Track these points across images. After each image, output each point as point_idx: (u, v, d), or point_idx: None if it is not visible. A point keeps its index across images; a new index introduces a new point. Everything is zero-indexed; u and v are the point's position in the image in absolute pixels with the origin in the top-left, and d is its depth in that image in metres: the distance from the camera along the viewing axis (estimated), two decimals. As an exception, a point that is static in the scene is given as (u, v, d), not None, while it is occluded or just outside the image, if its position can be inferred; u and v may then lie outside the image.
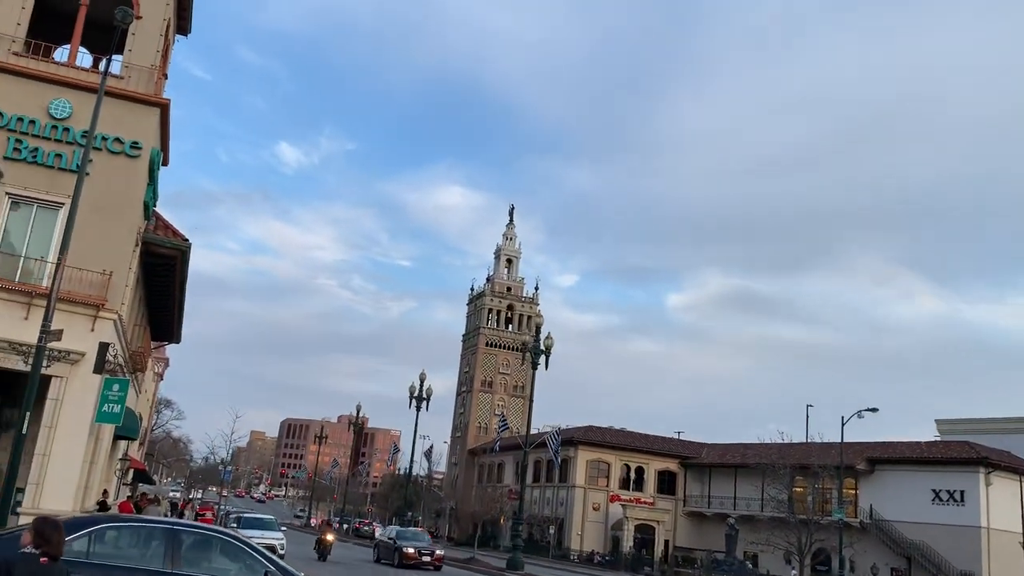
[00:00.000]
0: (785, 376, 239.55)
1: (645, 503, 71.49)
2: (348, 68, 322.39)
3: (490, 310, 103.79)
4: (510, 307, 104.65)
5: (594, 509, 70.94)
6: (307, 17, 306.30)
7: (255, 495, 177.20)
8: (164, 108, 21.98)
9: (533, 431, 62.74)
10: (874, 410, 44.16)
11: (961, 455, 55.82)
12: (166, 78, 24.28)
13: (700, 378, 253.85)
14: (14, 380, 19.98)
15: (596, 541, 69.66)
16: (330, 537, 30.77)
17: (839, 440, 54.97)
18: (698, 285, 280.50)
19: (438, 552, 32.68)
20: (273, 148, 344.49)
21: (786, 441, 58.19)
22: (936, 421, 64.32)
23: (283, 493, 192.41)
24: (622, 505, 69.69)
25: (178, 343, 39.27)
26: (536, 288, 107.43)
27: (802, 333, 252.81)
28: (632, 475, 73.22)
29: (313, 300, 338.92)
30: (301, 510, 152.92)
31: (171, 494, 78.58)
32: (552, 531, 68.27)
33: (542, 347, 35.07)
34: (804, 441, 61.64)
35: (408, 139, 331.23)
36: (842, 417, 45.31)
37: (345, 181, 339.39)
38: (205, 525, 9.57)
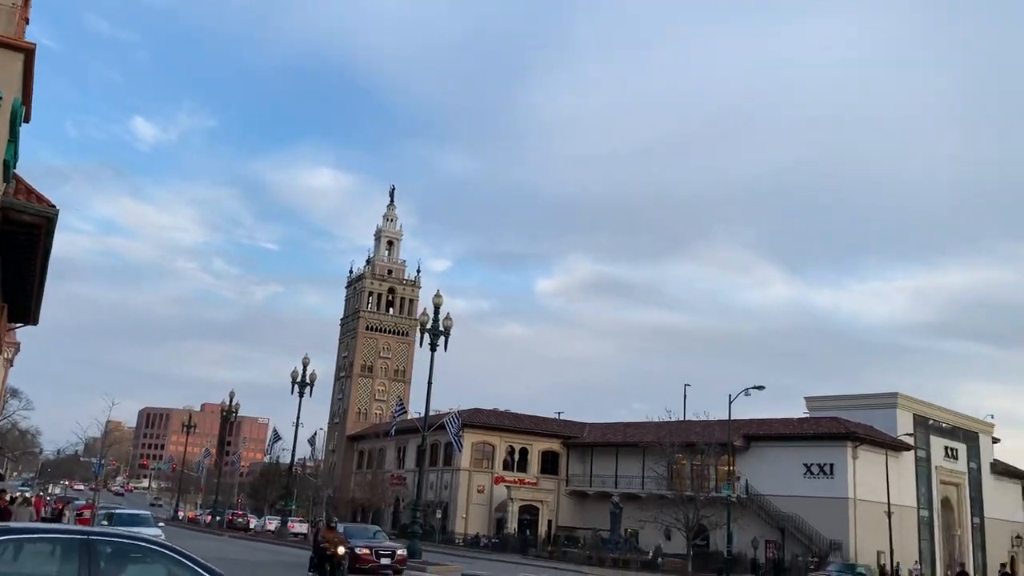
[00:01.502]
0: (651, 358, 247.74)
1: (529, 484, 71.57)
2: (209, 41, 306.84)
3: (370, 293, 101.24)
4: (391, 290, 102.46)
5: (479, 492, 70.44)
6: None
7: (113, 488, 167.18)
8: (29, 54, 19.27)
9: (415, 415, 61.82)
10: (760, 388, 45.44)
11: (830, 431, 58.59)
12: (27, 23, 21.43)
13: (570, 361, 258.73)
14: None
15: (481, 524, 69.20)
16: (341, 550, 20.54)
17: (716, 419, 56.83)
18: (567, 271, 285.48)
19: (400, 552, 26.81)
20: (127, 123, 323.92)
21: (667, 419, 59.66)
22: (805, 398, 67.18)
23: (145, 485, 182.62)
24: (506, 487, 69.48)
25: (35, 324, 35.59)
26: (418, 271, 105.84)
27: (666, 317, 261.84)
28: (516, 457, 73.16)
29: (172, 284, 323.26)
30: (156, 499, 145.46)
31: (18, 491, 72.35)
32: (438, 515, 67.28)
33: (441, 328, 33.91)
34: (683, 419, 63.30)
35: (274, 117, 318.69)
36: (729, 395, 46.43)
37: (206, 159, 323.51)
38: (128, 533, 7.87)
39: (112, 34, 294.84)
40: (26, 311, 32.09)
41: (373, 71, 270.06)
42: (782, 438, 60.51)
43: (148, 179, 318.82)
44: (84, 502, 33.60)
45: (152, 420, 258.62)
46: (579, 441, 74.02)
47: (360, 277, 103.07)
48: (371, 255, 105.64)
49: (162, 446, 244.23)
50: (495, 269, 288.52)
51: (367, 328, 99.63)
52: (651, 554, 52.88)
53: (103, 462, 60.31)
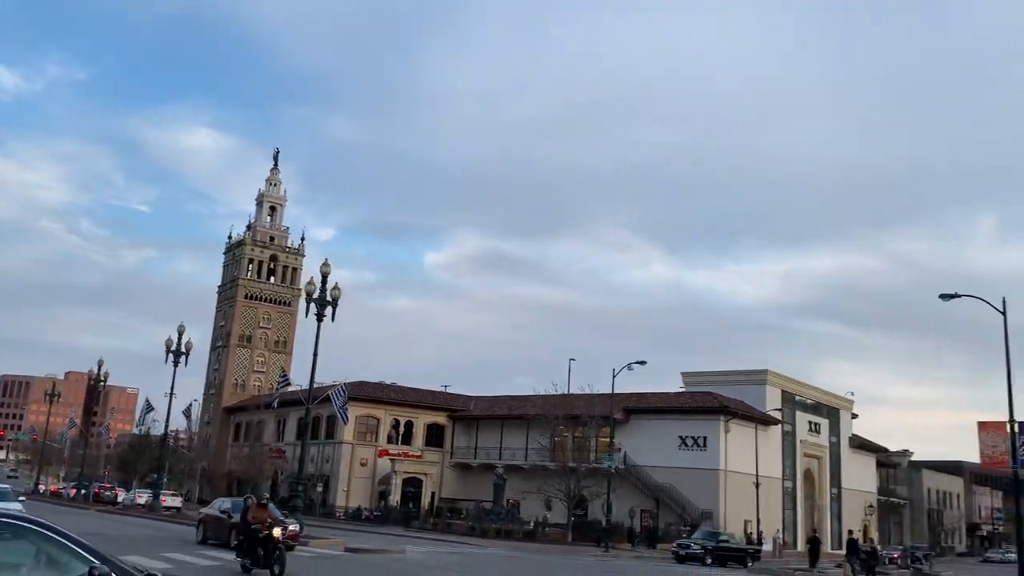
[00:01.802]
0: (536, 333, 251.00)
1: (413, 457, 71.42)
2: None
3: (251, 260, 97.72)
4: (273, 258, 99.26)
5: (362, 465, 69.78)
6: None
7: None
8: None
9: (298, 387, 60.21)
10: (642, 362, 46.61)
11: (705, 405, 61.05)
12: None
13: (458, 335, 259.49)
14: None
15: (363, 497, 68.65)
16: (278, 532, 17.50)
17: (601, 392, 58.04)
18: (456, 244, 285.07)
19: (292, 527, 24.62)
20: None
21: (552, 393, 60.54)
22: (682, 374, 69.59)
23: (5, 457, 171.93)
24: (391, 460, 69.11)
25: None
26: (302, 239, 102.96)
27: (552, 293, 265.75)
28: (401, 430, 72.83)
29: (33, 245, 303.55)
30: (12, 471, 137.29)
31: None
32: (319, 489, 66.23)
33: (328, 298, 33.04)
34: (567, 393, 64.42)
35: (151, 73, 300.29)
36: (613, 369, 47.48)
37: (75, 114, 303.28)
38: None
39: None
40: None
41: (259, 28, 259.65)
42: (660, 411, 62.59)
43: (9, 132, 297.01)
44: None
45: (10, 388, 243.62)
46: (465, 414, 74.34)
47: (240, 243, 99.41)
48: (252, 220, 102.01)
49: (22, 416, 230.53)
50: (383, 240, 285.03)
51: (246, 296, 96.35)
52: (532, 524, 53.78)
53: None
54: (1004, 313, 27.90)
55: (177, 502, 58.50)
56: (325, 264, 33.64)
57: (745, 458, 58.09)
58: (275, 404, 46.09)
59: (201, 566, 19.08)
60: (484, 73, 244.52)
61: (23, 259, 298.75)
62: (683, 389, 67.14)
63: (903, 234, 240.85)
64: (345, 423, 56.80)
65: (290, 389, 41.80)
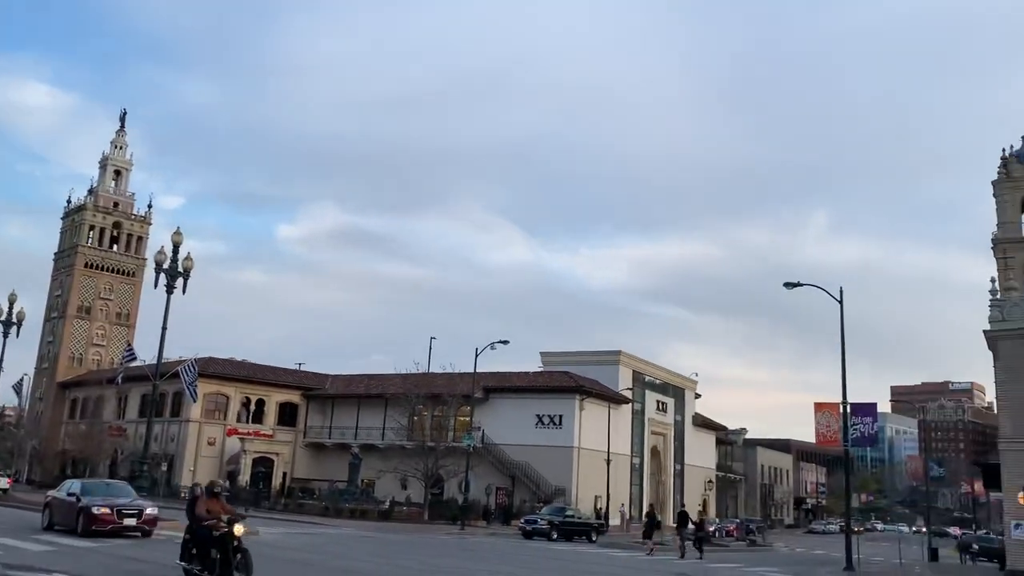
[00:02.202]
0: (396, 311, 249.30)
1: (265, 436, 69.42)
2: None
3: (92, 227, 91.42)
4: (116, 225, 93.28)
5: (209, 444, 67.16)
6: None
7: None
8: None
9: (143, 362, 57.01)
10: (505, 342, 47.17)
11: (561, 384, 62.54)
12: None
13: (313, 311, 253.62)
14: None
15: (210, 477, 65.92)
16: (240, 529, 13.21)
17: (459, 371, 58.33)
18: (313, 218, 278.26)
19: (148, 511, 22.86)
20: None
21: (412, 372, 60.17)
22: (540, 353, 70.89)
23: None
24: (240, 439, 66.87)
25: None
26: (149, 206, 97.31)
27: (412, 271, 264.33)
28: (252, 408, 70.57)
29: None
30: None
31: None
32: (164, 468, 63.15)
33: (180, 269, 31.41)
34: (427, 372, 64.25)
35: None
36: (476, 349, 47.68)
37: None
38: None
39: None
40: None
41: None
42: (518, 390, 63.58)
43: None
44: None
45: None
46: (320, 393, 72.88)
47: (80, 208, 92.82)
48: (94, 185, 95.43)
49: None
50: (234, 211, 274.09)
51: (86, 265, 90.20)
52: (388, 504, 53.49)
53: None
54: (841, 302, 29.98)
55: (5, 483, 54.29)
56: (177, 233, 31.99)
57: (597, 436, 59.96)
58: (119, 380, 43.54)
59: (35, 552, 17.78)
60: (348, 47, 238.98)
61: None
62: (541, 369, 68.43)
63: (744, 226, 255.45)
64: (194, 401, 54.49)
65: (135, 364, 39.47)
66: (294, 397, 72.53)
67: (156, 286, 31.33)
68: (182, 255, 31.63)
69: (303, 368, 78.96)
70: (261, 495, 59.42)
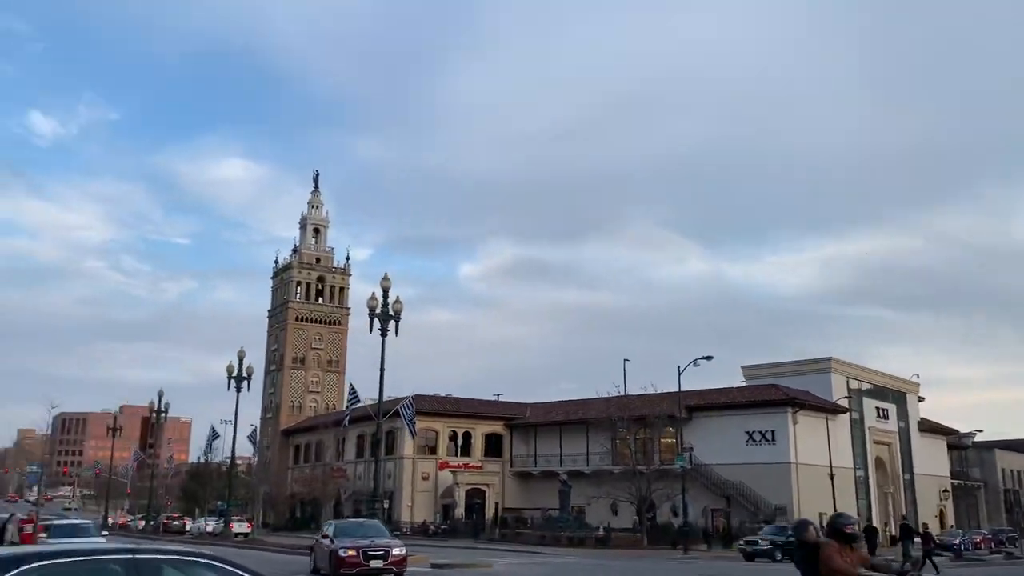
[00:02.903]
0: (575, 337, 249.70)
1: (474, 468, 71.00)
2: (107, 29, 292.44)
3: (298, 283, 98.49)
4: (320, 279, 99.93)
5: (423, 479, 69.54)
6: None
7: (30, 497, 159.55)
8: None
9: (369, 401, 59.78)
10: (708, 358, 45.62)
11: (770, 398, 59.62)
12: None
13: (498, 344, 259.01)
14: None
15: (427, 511, 68.35)
16: None
17: (662, 391, 57.04)
18: (489, 254, 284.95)
19: (396, 552, 22.46)
20: (22, 117, 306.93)
21: (612, 395, 59.52)
22: (742, 368, 68.25)
23: (64, 493, 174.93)
24: (452, 472, 68.78)
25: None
26: (347, 258, 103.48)
27: (587, 296, 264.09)
28: (459, 441, 72.51)
29: (80, 284, 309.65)
30: (68, 506, 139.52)
31: None
32: (386, 505, 66.01)
33: (391, 312, 32.76)
34: (624, 394, 63.40)
35: (179, 108, 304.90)
36: (678, 367, 46.36)
37: (110, 154, 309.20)
38: (175, 547, 6.77)
39: (2, 25, 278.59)
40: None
41: (281, 56, 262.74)
42: (723, 407, 61.31)
43: (49, 176, 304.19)
44: (23, 515, 31.27)
45: (68, 425, 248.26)
46: (522, 422, 73.74)
47: (287, 267, 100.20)
48: (297, 244, 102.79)
49: (81, 452, 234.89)
50: (417, 256, 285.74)
51: (297, 319, 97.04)
52: (602, 530, 52.93)
53: (35, 471, 56.89)
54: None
55: (246, 528, 58.70)
56: (385, 279, 33.44)
57: (815, 449, 56.63)
58: (346, 422, 46.09)
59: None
60: (505, 82, 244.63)
61: (69, 299, 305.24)
62: (744, 383, 65.77)
63: (943, 212, 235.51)
64: (414, 437, 56.44)
65: (362, 404, 41.68)
66: (498, 428, 73.86)
67: (371, 330, 32.72)
68: (391, 299, 33.01)
69: (501, 399, 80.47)
70: (477, 526, 60.69)
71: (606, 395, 58.21)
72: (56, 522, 27.84)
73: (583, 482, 62.56)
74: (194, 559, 5.82)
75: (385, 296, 32.86)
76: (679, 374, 46.21)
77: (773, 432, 58.36)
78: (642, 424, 55.54)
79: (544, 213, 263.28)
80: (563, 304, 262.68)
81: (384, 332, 32.48)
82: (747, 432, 59.33)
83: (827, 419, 58.64)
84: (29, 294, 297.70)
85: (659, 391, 55.57)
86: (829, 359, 64.72)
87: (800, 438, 57.83)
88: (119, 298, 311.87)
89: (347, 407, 41.81)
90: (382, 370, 32.81)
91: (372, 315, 32.60)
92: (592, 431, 61.72)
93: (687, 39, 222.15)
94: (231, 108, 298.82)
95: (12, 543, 27.20)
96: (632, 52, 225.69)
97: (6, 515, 31.35)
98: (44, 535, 25.42)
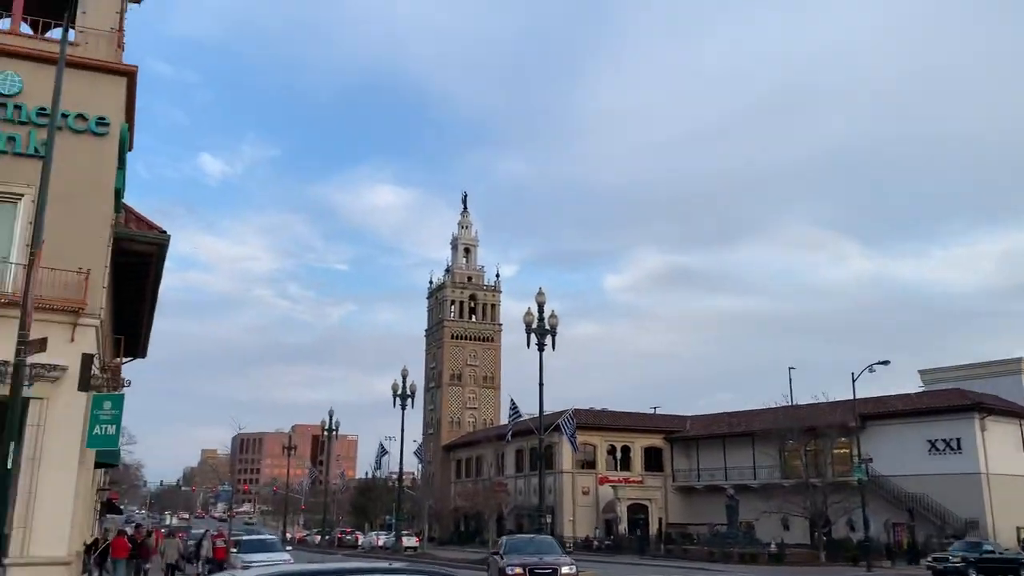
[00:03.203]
0: (730, 345, 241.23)
1: (634, 482, 69.92)
2: (263, 73, 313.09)
3: (452, 302, 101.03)
4: (472, 297, 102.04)
5: (584, 493, 69.12)
6: (214, 23, 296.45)
7: (215, 514, 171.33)
8: (131, 76, 18.83)
9: (528, 415, 60.13)
10: (885, 362, 42.77)
11: (954, 403, 55.28)
12: (123, 49, 20.94)
13: (648, 355, 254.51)
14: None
15: (587, 525, 67.84)
16: None
17: (833, 400, 54.14)
18: (635, 264, 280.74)
19: (565, 570, 22.00)
20: (194, 160, 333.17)
21: (774, 406, 57.02)
22: (919, 372, 64.05)
23: (245, 510, 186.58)
24: (612, 486, 68.00)
25: (144, 358, 35.50)
26: (497, 275, 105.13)
27: (741, 302, 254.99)
28: (619, 455, 71.65)
29: (250, 312, 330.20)
30: (249, 520, 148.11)
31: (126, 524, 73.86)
32: (548, 520, 66.15)
33: (547, 326, 32.74)
34: (792, 404, 60.64)
35: (332, 140, 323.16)
36: (852, 373, 43.62)
37: (272, 188, 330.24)
38: (405, 564, 6.86)
39: (174, 76, 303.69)
40: (135, 344, 32.15)
41: (425, 86, 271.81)
42: (900, 415, 57.44)
43: (219, 213, 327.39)
44: (214, 531, 33.37)
45: (246, 445, 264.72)
46: (682, 435, 72.01)
47: (441, 286, 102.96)
48: (449, 264, 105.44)
49: (258, 470, 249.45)
50: (561, 270, 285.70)
51: (452, 337, 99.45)
52: (775, 546, 50.60)
53: (230, 488, 60.94)
54: None
55: (414, 541, 60.34)
56: (540, 294, 33.48)
57: (1010, 458, 52.12)
58: (509, 436, 46.54)
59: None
60: (644, 87, 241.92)
61: (242, 326, 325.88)
62: (923, 389, 61.44)
63: None
64: (576, 451, 56.26)
65: (523, 418, 42.00)
66: (657, 441, 72.49)
67: (528, 345, 32.79)
68: (546, 313, 32.99)
69: (659, 411, 78.97)
70: (642, 542, 59.57)
71: (772, 405, 55.73)
72: (245, 537, 29.42)
73: (750, 496, 60.13)
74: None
75: (540, 311, 32.89)
76: (853, 381, 43.47)
77: (959, 440, 54.05)
78: (813, 435, 52.84)
79: (691, 218, 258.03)
80: (715, 312, 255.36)
81: (541, 347, 32.49)
82: (929, 441, 55.28)
83: (1021, 425, 53.71)
84: (206, 323, 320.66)
85: (830, 399, 52.90)
86: (1020, 359, 59.44)
87: (990, 446, 53.26)
88: (286, 323, 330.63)
89: (509, 422, 42.08)
90: (541, 384, 32.83)
91: (529, 330, 32.69)
92: (759, 443, 59.40)
93: (824, 34, 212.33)
94: (380, 137, 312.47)
95: (207, 557, 29.07)
96: (776, 50, 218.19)
97: (202, 531, 33.47)
98: (235, 550, 26.93)
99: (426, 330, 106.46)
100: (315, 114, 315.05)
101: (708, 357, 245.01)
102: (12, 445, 12.24)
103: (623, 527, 65.26)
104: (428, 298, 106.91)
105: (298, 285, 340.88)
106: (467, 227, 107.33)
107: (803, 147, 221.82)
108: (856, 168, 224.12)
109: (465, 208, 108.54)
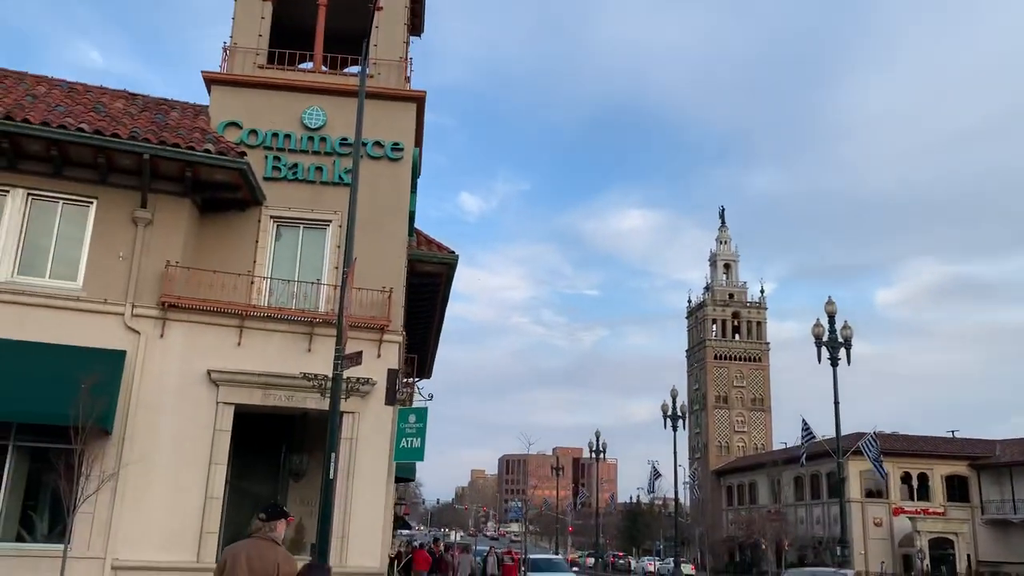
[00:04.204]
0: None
1: (935, 514, 62.57)
2: (512, 112, 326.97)
3: (713, 320, 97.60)
4: (735, 315, 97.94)
5: (876, 525, 62.94)
6: (466, 70, 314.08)
7: (487, 532, 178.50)
8: (420, 102, 19.45)
9: (781, 444, 56.21)
10: None
11: None
12: (409, 81, 21.79)
13: (927, 376, 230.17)
14: (296, 423, 17.99)
15: (878, 560, 61.59)
16: None
17: None
18: (908, 277, 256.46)
19: None
20: (455, 199, 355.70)
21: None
22: None
23: (513, 529, 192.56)
24: (909, 518, 61.29)
25: (429, 378, 37.09)
26: (762, 290, 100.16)
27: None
28: (914, 483, 64.58)
29: (509, 339, 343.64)
30: (515, 538, 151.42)
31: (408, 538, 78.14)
32: (839, 552, 61.01)
33: (839, 339, 29.82)
34: None
35: (578, 170, 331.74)
36: None
37: (524, 220, 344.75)
38: None
39: (434, 121, 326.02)
40: (422, 365, 33.63)
41: (668, 108, 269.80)
42: None
43: (478, 247, 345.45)
44: (502, 549, 33.94)
45: (510, 466, 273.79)
46: (992, 461, 63.55)
47: (701, 305, 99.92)
48: (708, 281, 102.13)
49: (523, 490, 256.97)
50: (825, 286, 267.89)
51: (715, 357, 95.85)
52: None
53: (519, 505, 62.55)
54: None
55: (689, 569, 58.15)
56: (830, 303, 30.61)
57: None
58: (803, 460, 43.46)
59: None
60: (905, 86, 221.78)
61: (502, 352, 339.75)
62: None
63: None
64: (883, 477, 51.09)
65: (817, 440, 38.86)
66: (961, 468, 64.52)
67: (820, 360, 29.99)
68: (839, 324, 30.10)
69: (957, 435, 70.42)
70: (950, 581, 53.09)
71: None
72: (534, 556, 29.43)
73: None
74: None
75: (831, 322, 30.05)
76: None
77: None
78: None
79: (972, 223, 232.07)
80: (1010, 326, 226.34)
81: (835, 362, 29.62)
82: None
83: None
84: (471, 351, 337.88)
85: None
86: None
87: None
88: (542, 348, 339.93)
89: (802, 443, 39.06)
90: (836, 402, 29.93)
91: (819, 343, 29.93)
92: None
93: None
94: (624, 163, 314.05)
95: (492, 574, 29.43)
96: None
97: (486, 548, 34.10)
98: (525, 569, 26.91)
99: (687, 350, 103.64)
100: (562, 146, 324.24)
101: (1002, 376, 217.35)
102: (333, 456, 12.58)
103: (926, 563, 58.50)
104: (687, 318, 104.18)
105: (551, 311, 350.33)
106: (726, 242, 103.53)
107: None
108: None
109: (723, 223, 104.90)
